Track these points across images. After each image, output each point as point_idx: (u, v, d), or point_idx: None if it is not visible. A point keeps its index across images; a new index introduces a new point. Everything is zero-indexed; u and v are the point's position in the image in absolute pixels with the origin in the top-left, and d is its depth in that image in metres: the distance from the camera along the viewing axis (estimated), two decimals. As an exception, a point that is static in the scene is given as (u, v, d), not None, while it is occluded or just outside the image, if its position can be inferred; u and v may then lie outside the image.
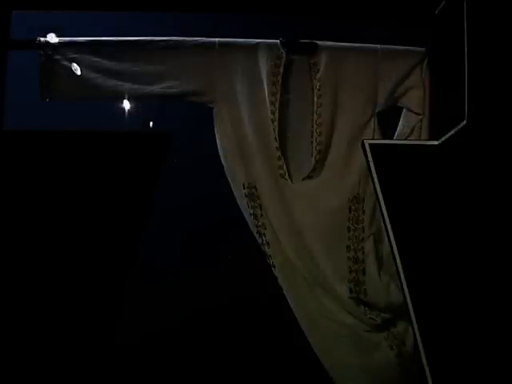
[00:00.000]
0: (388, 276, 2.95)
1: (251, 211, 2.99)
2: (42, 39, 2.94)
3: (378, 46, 3.04)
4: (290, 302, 2.96)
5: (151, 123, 3.54)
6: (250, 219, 2.99)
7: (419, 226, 2.69)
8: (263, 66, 2.98)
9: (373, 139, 2.96)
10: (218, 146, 3.02)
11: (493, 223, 2.55)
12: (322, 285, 2.95)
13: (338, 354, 2.94)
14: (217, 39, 3.00)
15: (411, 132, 3.03)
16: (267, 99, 2.96)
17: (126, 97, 2.98)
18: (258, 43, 3.01)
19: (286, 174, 2.97)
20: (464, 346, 2.54)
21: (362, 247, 2.98)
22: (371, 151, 2.74)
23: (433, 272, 2.63)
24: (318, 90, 2.98)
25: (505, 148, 2.53)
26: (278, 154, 2.96)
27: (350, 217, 2.98)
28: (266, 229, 2.98)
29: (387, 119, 3.08)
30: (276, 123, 2.95)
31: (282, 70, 2.97)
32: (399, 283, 2.68)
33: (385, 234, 2.74)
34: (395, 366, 2.93)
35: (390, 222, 2.68)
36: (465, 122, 2.51)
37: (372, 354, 2.94)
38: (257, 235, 2.99)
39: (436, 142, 2.77)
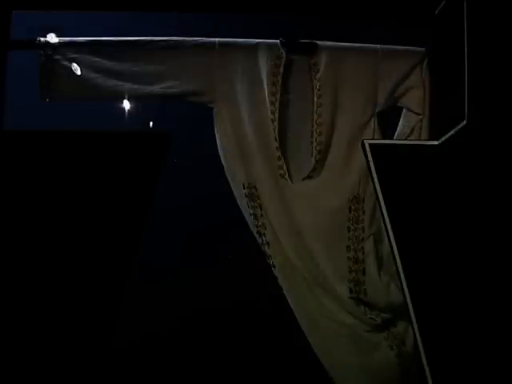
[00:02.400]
0: (388, 276, 2.95)
1: (251, 211, 2.99)
2: (42, 39, 2.94)
3: (378, 46, 3.04)
4: (290, 302, 2.95)
5: (151, 123, 3.55)
6: (249, 219, 2.99)
7: (419, 226, 2.69)
8: (263, 66, 2.98)
9: (373, 139, 2.96)
10: (218, 146, 3.02)
11: (493, 223, 2.55)
12: (322, 285, 2.95)
13: (338, 354, 2.94)
14: (217, 39, 3.00)
15: (411, 132, 3.03)
16: (267, 99, 2.96)
17: (126, 97, 2.98)
18: (257, 43, 3.01)
19: (286, 174, 2.97)
20: (464, 346, 2.54)
21: (362, 247, 2.98)
22: (371, 151, 2.74)
23: (433, 272, 2.63)
24: (318, 90, 2.98)
25: (505, 148, 2.53)
26: (278, 154, 2.96)
27: (350, 217, 2.98)
28: (265, 229, 2.98)
29: (387, 119, 3.09)
30: (276, 123, 2.95)
31: (281, 69, 2.97)
32: (399, 283, 2.68)
33: (385, 233, 2.74)
34: (395, 366, 2.93)
35: (390, 221, 2.68)
36: (465, 122, 2.51)
37: (372, 354, 2.94)
38: (257, 235, 2.99)
39: (436, 142, 2.77)
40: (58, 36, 2.95)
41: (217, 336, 3.49)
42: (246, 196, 2.99)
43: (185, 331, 3.52)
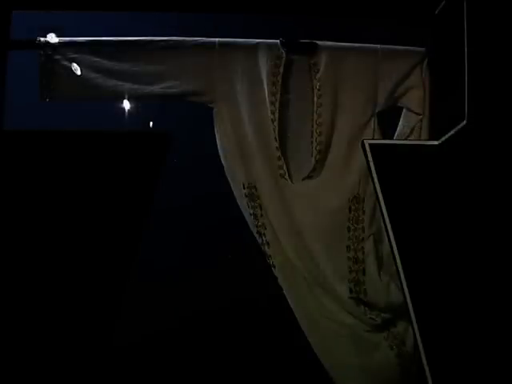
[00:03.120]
0: (388, 276, 2.95)
1: (251, 211, 2.99)
2: (42, 39, 2.94)
3: (378, 45, 3.04)
4: (290, 302, 2.95)
5: (151, 123, 3.55)
6: (249, 219, 2.99)
7: (419, 226, 2.69)
8: (263, 66, 2.98)
9: (373, 139, 2.96)
10: (218, 146, 3.01)
11: (493, 223, 2.55)
12: (322, 285, 2.95)
13: (338, 353, 2.94)
14: (217, 39, 3.00)
15: (411, 132, 3.03)
16: (267, 99, 2.96)
17: (126, 97, 2.98)
18: (257, 43, 3.01)
19: (286, 174, 2.97)
20: (464, 346, 2.54)
21: (362, 247, 2.98)
22: (371, 151, 2.74)
23: (433, 272, 2.63)
24: (318, 90, 2.98)
25: (505, 148, 2.53)
26: (278, 154, 2.96)
27: (350, 217, 2.98)
28: (266, 229, 2.98)
29: (387, 119, 3.09)
30: (276, 123, 2.95)
31: (281, 69, 2.97)
32: (399, 283, 2.68)
33: (385, 233, 2.74)
34: (395, 365, 2.93)
35: (390, 222, 2.68)
36: (465, 122, 2.51)
37: (372, 353, 2.94)
38: (257, 235, 2.98)
39: (436, 142, 2.77)
40: (58, 36, 2.96)
41: (217, 336, 3.49)
42: (246, 196, 2.99)
43: (185, 331, 3.52)
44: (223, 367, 3.42)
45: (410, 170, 2.74)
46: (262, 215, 2.98)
